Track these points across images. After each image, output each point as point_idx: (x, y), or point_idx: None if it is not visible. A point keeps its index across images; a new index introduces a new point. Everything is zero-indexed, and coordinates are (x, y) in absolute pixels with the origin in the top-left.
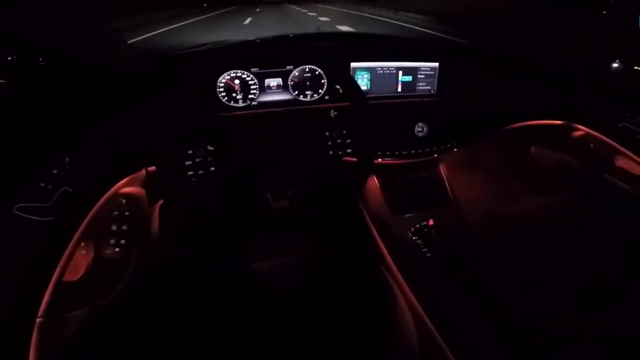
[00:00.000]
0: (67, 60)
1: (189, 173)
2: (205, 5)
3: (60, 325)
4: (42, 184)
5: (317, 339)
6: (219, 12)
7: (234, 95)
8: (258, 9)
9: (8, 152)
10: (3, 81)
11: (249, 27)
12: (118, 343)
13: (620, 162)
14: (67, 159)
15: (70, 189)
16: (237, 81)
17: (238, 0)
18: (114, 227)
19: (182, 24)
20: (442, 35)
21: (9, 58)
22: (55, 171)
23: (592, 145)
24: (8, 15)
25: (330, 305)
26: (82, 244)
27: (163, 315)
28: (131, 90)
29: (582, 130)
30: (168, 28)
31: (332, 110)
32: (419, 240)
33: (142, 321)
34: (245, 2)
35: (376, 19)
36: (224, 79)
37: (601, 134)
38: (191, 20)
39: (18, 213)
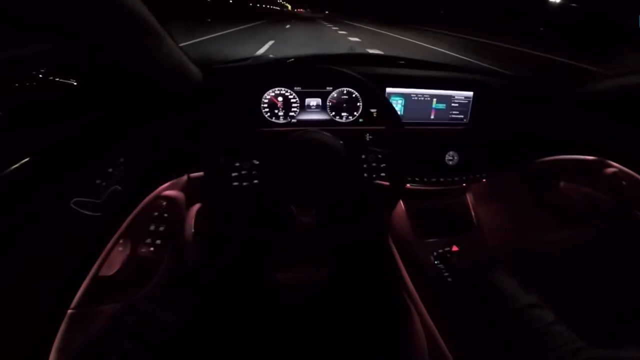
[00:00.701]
0: (128, 59)
1: (235, 184)
2: (209, 20)
3: (88, 318)
4: (98, 181)
5: (331, 354)
6: (224, 32)
7: (276, 111)
8: (270, 42)
9: (74, 149)
10: (75, 82)
11: None
12: (141, 339)
13: None
14: (121, 159)
15: (120, 188)
16: (280, 98)
17: (265, 15)
18: (151, 227)
19: None
20: (479, 62)
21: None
22: (110, 170)
23: (624, 183)
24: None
25: (347, 321)
26: (121, 241)
27: (188, 315)
28: (185, 97)
29: (615, 167)
30: None
31: (368, 134)
32: (441, 265)
33: (167, 320)
34: (274, 16)
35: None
36: (268, 95)
37: (635, 171)
38: None
39: (74, 207)
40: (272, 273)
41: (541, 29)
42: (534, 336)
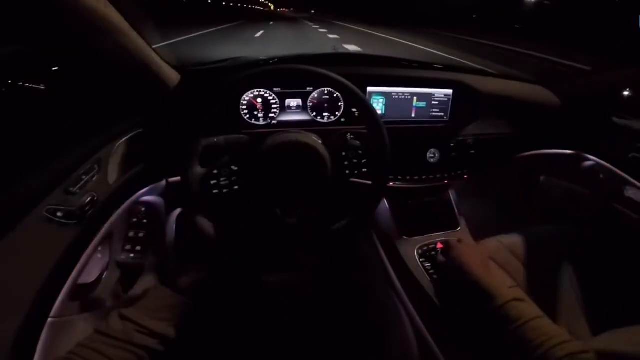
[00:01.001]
0: (95, 61)
1: (214, 192)
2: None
3: (69, 326)
4: (71, 188)
5: (321, 354)
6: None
7: (256, 113)
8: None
9: (45, 156)
10: (42, 87)
11: None
12: (127, 346)
13: (630, 193)
14: (96, 166)
15: (96, 195)
16: (259, 100)
17: (244, 15)
18: (131, 234)
19: None
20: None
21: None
22: (84, 177)
23: (602, 176)
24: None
25: (335, 320)
26: (100, 248)
27: (173, 321)
28: (161, 100)
29: (592, 160)
30: None
31: (349, 134)
32: (427, 262)
33: (152, 325)
34: (254, 17)
35: None
36: (247, 96)
37: (611, 164)
38: None
39: (47, 215)
40: (258, 276)
41: (516, 26)
42: (519, 331)
